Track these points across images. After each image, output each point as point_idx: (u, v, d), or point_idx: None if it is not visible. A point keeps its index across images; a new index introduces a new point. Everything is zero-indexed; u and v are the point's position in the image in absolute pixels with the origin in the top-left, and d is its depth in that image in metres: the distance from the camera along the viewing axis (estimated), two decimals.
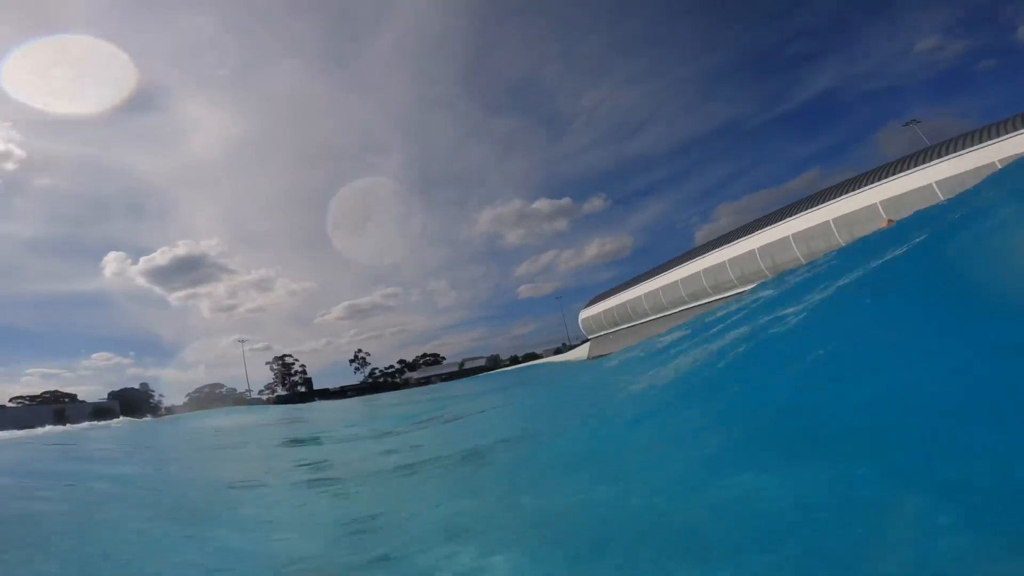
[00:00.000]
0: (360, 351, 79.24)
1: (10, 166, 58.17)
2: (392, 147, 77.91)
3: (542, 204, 72.10)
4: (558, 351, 68.65)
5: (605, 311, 45.47)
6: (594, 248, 76.57)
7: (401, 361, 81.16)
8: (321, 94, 75.00)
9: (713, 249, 32.95)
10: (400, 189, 79.07)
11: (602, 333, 46.61)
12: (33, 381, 62.63)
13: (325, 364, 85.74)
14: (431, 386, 54.63)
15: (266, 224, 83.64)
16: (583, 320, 49.95)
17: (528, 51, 73.99)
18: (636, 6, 70.52)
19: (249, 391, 71.22)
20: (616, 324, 43.87)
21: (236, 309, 77.40)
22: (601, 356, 32.46)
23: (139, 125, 69.78)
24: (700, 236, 68.68)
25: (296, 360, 77.16)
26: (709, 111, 72.83)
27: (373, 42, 71.67)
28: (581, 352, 49.41)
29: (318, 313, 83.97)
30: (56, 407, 54.67)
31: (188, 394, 71.49)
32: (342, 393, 72.43)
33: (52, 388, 61.67)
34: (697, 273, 33.67)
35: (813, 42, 63.71)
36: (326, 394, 72.98)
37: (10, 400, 57.32)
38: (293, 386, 76.56)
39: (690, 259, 34.95)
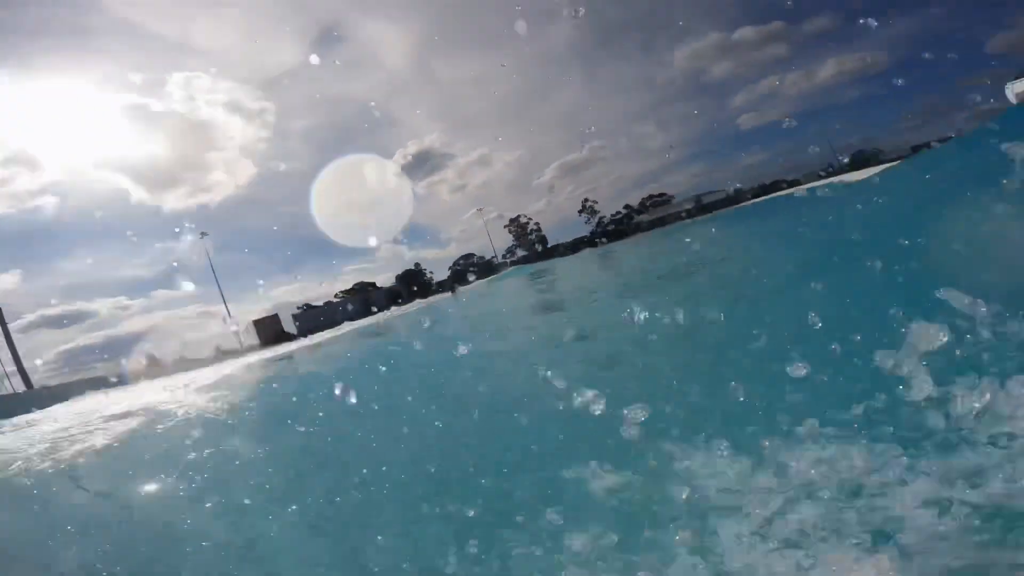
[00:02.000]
0: (588, 200, 76.98)
1: (270, 118, 70.84)
2: (561, 9, 70.64)
3: (746, 32, 60.45)
4: (825, 175, 55.57)
5: None
6: (831, 68, 59.78)
7: (627, 206, 76.61)
8: None
9: None
10: (580, 49, 75.74)
11: None
12: (350, 276, 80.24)
13: (553, 221, 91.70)
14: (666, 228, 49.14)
15: (469, 108, 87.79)
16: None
17: None
18: None
19: (495, 256, 78.01)
20: None
21: (467, 187, 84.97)
22: None
23: (341, 57, 76.07)
24: (994, 44, 50.81)
25: (530, 219, 79.90)
26: None
27: None
28: None
29: (534, 176, 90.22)
30: (363, 298, 69.52)
31: (449, 267, 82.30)
32: (575, 247, 74.00)
33: (360, 280, 79.05)
34: None
35: None
36: (557, 251, 74.87)
37: (335, 296, 75.56)
38: (531, 245, 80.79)
39: None
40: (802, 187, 44.24)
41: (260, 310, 78.55)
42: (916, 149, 49.78)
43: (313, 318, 68.42)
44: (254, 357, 32.09)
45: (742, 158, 78.56)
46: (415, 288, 73.62)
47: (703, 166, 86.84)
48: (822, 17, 62.55)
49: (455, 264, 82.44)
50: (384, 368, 7.83)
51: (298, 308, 77.86)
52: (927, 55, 61.93)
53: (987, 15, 58.34)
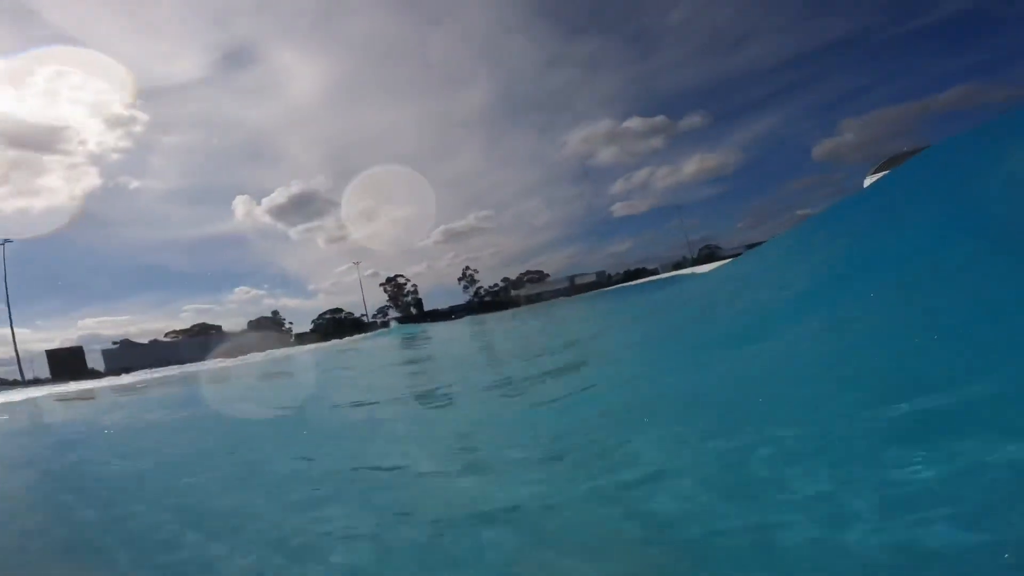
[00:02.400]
0: (468, 268, 77.65)
1: (138, 128, 65.19)
2: (475, 77, 78.92)
3: (634, 123, 67.10)
4: (677, 266, 64.06)
5: None
6: (694, 165, 69.93)
7: (505, 279, 78.98)
8: (401, 31, 76.18)
9: None
10: (486, 118, 79.99)
11: None
12: (190, 316, 70.43)
13: (430, 286, 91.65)
14: (543, 304, 50.87)
15: (366, 157, 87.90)
16: None
17: None
18: None
19: (365, 315, 73.61)
20: None
21: (346, 239, 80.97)
22: None
23: (241, 80, 75.15)
24: (819, 151, 64.32)
25: (408, 280, 77.67)
26: (826, 23, 63.66)
27: None
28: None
29: (418, 238, 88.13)
30: (200, 340, 60.02)
31: (313, 320, 75.65)
32: (449, 314, 73.25)
33: (202, 321, 68.55)
34: None
35: None
36: (436, 315, 73.58)
37: (165, 335, 64.30)
38: (406, 307, 77.96)
39: None
40: (660, 276, 49.55)
41: (64, 339, 65.74)
42: (751, 246, 58.57)
43: (130, 355, 56.86)
44: (29, 392, 25.99)
45: (611, 245, 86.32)
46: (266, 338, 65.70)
47: (577, 248, 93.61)
48: (696, 115, 69.81)
49: (320, 317, 76.11)
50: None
51: (113, 343, 64.69)
52: (766, 157, 76.08)
53: (815, 123, 74.56)
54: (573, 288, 66.54)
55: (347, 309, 77.44)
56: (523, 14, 75.66)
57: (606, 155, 75.63)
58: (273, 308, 75.98)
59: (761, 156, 73.74)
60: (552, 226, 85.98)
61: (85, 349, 59.52)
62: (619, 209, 75.72)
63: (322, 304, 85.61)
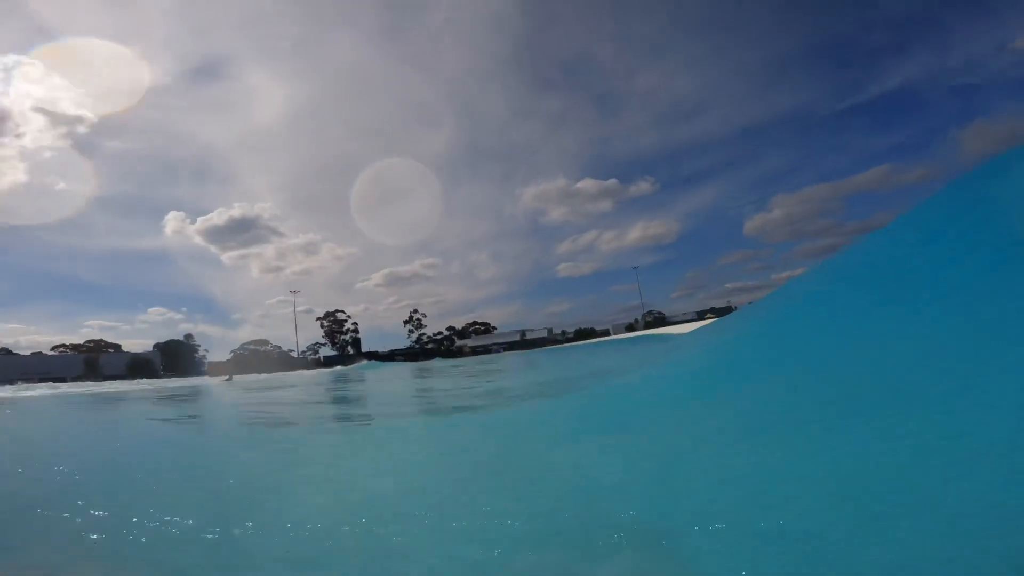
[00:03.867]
0: (416, 312, 73.75)
1: (82, 129, 62.93)
2: (442, 120, 79.91)
3: (587, 184, 70.92)
4: (630, 327, 63.76)
5: None
6: (638, 231, 74.05)
7: (450, 328, 75.58)
8: (376, 66, 77.58)
9: None
10: (446, 162, 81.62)
11: None
12: (92, 332, 62.04)
13: (366, 328, 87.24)
14: (491, 355, 47.91)
15: (317, 190, 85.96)
16: None
17: (583, 29, 72.14)
18: None
19: (294, 350, 67.11)
20: None
21: (283, 271, 78.43)
22: None
23: (205, 94, 73.72)
24: (750, 226, 69.91)
25: (349, 317, 72.29)
26: (773, 98, 70.62)
27: (427, 15, 71.20)
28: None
29: (359, 279, 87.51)
30: (88, 357, 51.50)
31: (233, 350, 68.10)
32: (390, 357, 68.49)
33: (110, 339, 59.50)
34: None
35: (899, 33, 60.34)
36: (375, 356, 68.55)
37: (51, 348, 54.92)
38: (343, 346, 71.90)
39: None
40: (613, 336, 48.09)
41: None
42: (701, 315, 58.52)
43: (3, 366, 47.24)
44: None
45: (552, 304, 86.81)
46: (175, 362, 57.50)
47: (519, 306, 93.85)
48: (645, 181, 73.16)
49: (242, 347, 68.58)
50: None
51: None
52: (699, 231, 77.80)
53: (749, 198, 77.55)
54: (523, 343, 64.24)
55: (274, 343, 70.66)
56: (499, 63, 78.16)
57: (557, 214, 77.92)
58: (191, 333, 68.23)
59: (698, 227, 76.60)
60: (496, 281, 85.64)
61: None
62: (564, 269, 77.56)
63: (247, 335, 78.50)
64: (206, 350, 68.24)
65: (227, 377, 17.80)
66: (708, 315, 56.63)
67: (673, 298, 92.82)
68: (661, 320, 62.05)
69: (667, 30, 70.34)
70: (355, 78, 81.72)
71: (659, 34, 71.62)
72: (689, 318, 59.05)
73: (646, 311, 68.50)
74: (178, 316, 73.91)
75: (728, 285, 77.32)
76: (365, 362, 52.43)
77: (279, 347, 68.97)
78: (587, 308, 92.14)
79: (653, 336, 27.62)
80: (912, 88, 61.85)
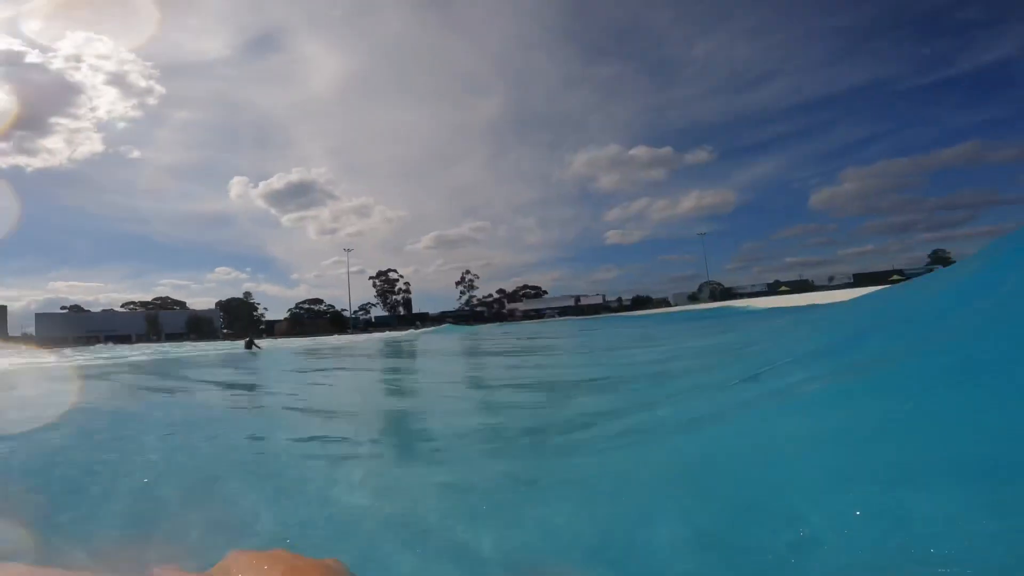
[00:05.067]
0: (468, 272, 72.46)
1: (152, 101, 67.81)
2: (491, 88, 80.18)
3: (640, 151, 68.69)
4: (693, 298, 59.68)
5: None
6: (692, 200, 70.59)
7: (500, 291, 73.80)
8: (425, 35, 78.56)
9: None
10: (494, 129, 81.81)
11: None
12: (164, 290, 65.18)
13: (414, 290, 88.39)
14: (551, 320, 45.69)
15: (369, 154, 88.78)
16: None
17: None
18: None
19: (347, 309, 67.57)
20: None
21: (338, 232, 79.43)
22: None
23: (263, 64, 78.55)
24: (816, 199, 66.49)
25: (401, 277, 71.86)
26: (848, 68, 65.51)
27: None
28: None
29: (409, 241, 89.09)
30: (148, 314, 53.26)
31: (289, 309, 69.40)
32: (440, 319, 67.92)
33: (180, 297, 61.98)
34: None
35: (992, 7, 55.84)
36: (425, 319, 68.15)
37: (121, 305, 57.35)
38: (394, 306, 71.77)
39: None
40: (676, 308, 44.48)
41: (31, 299, 59.67)
42: (774, 288, 54.02)
43: (70, 324, 49.90)
44: None
45: (598, 272, 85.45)
46: (235, 320, 59.07)
47: (563, 271, 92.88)
48: (702, 151, 70.02)
49: (298, 306, 69.76)
50: None
51: (63, 308, 57.29)
52: (764, 201, 72.95)
53: (816, 171, 71.06)
54: (577, 309, 61.67)
55: (329, 302, 71.48)
56: (548, 32, 76.39)
57: (607, 181, 75.69)
58: (250, 292, 70.18)
59: (759, 199, 73.51)
60: (543, 246, 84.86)
61: (36, 311, 52.64)
62: (612, 236, 76.06)
63: (302, 294, 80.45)
64: (265, 308, 70.01)
65: (248, 344, 13.79)
66: (783, 288, 51.76)
67: (727, 270, 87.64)
68: (728, 293, 57.50)
69: None
70: (403, 47, 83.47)
71: (719, 1, 68.17)
72: (759, 290, 54.56)
73: (704, 282, 64.35)
74: (242, 275, 78.73)
75: (788, 259, 71.67)
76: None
77: (332, 306, 69.70)
78: (635, 276, 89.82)
79: (750, 310, 24.20)
80: (1006, 63, 57.98)
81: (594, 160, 74.00)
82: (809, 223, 71.99)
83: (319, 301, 70.05)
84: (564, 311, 60.26)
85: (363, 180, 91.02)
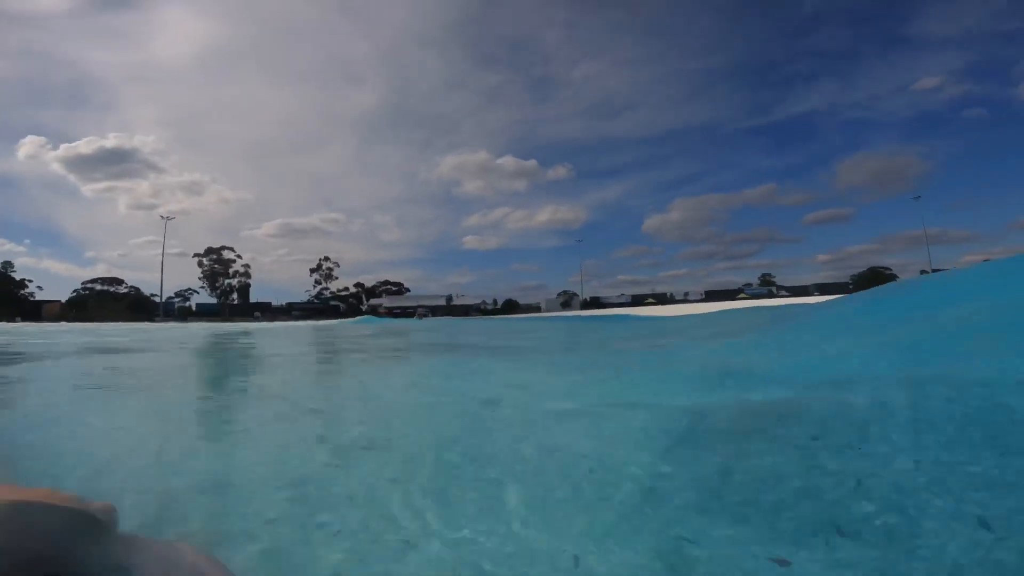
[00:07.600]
0: (326, 259, 63.19)
1: None
2: (371, 79, 74.67)
3: (507, 161, 69.93)
4: (565, 304, 60.25)
5: None
6: (547, 214, 73.96)
7: (358, 284, 66.03)
8: (311, 12, 71.71)
9: None
10: (366, 120, 76.35)
11: None
12: None
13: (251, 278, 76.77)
14: (437, 319, 40.01)
15: (214, 128, 76.69)
16: None
17: (534, 11, 71.65)
18: None
19: (157, 295, 53.83)
20: None
21: (157, 209, 65.76)
22: None
23: (104, 22, 65.49)
24: (648, 224, 74.10)
25: (239, 257, 59.63)
26: (693, 107, 74.43)
27: None
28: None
29: (247, 225, 79.52)
30: None
31: (75, 289, 53.44)
32: (287, 310, 57.94)
33: None
34: None
35: (818, 64, 65.00)
36: (267, 309, 57.55)
37: None
38: (226, 292, 59.15)
39: None
40: (551, 313, 42.84)
41: None
42: (638, 300, 55.67)
43: None
44: None
45: (452, 275, 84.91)
46: None
47: (420, 272, 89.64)
48: (563, 167, 73.02)
49: (85, 286, 53.85)
50: None
51: None
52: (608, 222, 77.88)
53: (654, 198, 78.05)
54: (449, 309, 57.08)
55: (133, 283, 56.40)
56: (444, 31, 72.73)
57: (472, 186, 75.40)
58: (27, 267, 52.89)
59: (603, 219, 79.45)
60: (399, 244, 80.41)
61: None
62: (469, 242, 75.66)
63: (99, 274, 64.00)
64: (38, 287, 53.17)
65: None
66: (649, 300, 54.54)
67: (570, 282, 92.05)
68: (597, 302, 59.16)
69: (616, 27, 70.29)
70: (284, 21, 72.94)
71: (607, 29, 71.30)
72: (624, 301, 56.91)
73: (560, 291, 67.28)
74: (20, 248, 65.50)
75: (620, 277, 78.32)
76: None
77: (136, 288, 55.20)
78: (489, 281, 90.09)
79: (645, 317, 22.27)
80: (810, 116, 67.49)
81: (462, 164, 73.00)
82: (641, 245, 79.85)
83: (118, 281, 54.99)
84: (435, 310, 55.24)
85: (200, 155, 78.47)
